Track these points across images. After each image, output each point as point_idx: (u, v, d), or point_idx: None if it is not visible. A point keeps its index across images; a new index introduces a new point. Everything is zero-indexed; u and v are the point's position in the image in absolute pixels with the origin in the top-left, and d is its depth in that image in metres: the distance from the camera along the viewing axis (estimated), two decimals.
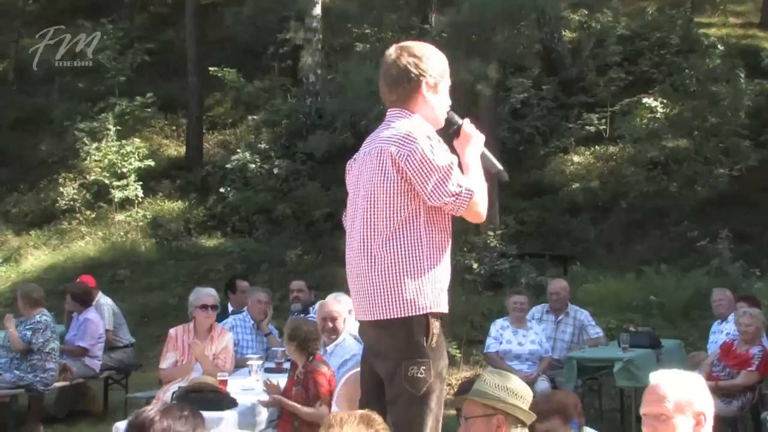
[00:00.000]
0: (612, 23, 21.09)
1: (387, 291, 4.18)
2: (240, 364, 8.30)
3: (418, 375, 4.17)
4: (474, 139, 4.37)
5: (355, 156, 4.48)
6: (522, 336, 9.69)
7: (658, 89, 18.48)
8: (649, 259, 15.29)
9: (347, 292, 8.06)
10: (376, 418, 3.58)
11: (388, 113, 4.40)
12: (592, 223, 17.25)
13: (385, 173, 4.20)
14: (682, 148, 17.58)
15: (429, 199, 4.14)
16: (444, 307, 4.25)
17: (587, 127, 19.03)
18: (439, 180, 4.12)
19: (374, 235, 4.22)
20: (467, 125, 4.40)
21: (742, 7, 24.70)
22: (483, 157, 4.41)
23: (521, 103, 19.30)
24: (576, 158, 18.86)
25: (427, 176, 4.12)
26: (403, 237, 4.19)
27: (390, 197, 4.20)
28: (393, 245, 4.19)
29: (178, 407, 3.35)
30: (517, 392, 4.32)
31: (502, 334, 9.67)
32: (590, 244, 16.71)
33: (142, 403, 9.36)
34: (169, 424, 3.25)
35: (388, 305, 4.17)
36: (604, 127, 19.11)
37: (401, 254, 4.18)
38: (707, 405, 3.73)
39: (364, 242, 4.24)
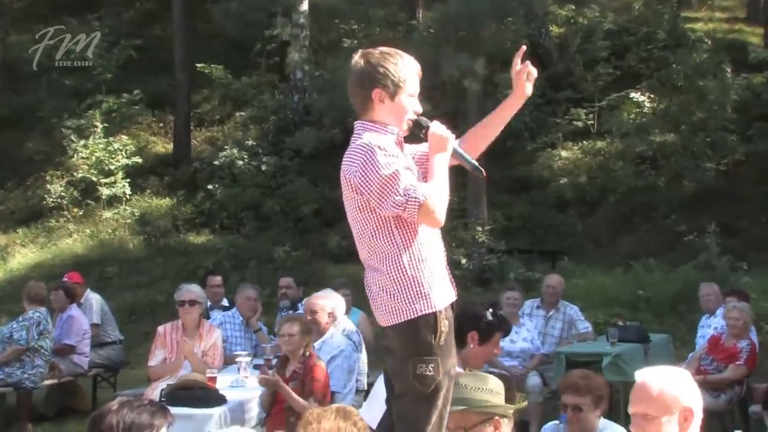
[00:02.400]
0: (599, 18, 21.13)
1: (387, 298, 4.20)
2: (229, 360, 8.30)
3: (426, 372, 4.18)
4: (441, 142, 4.32)
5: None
6: (514, 333, 9.68)
7: (646, 84, 18.53)
8: (636, 253, 15.33)
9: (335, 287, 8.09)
10: (352, 410, 3.61)
11: (355, 124, 4.41)
12: (580, 217, 17.29)
13: (346, 190, 4.22)
14: (670, 142, 17.62)
15: (379, 208, 4.13)
16: (445, 299, 4.25)
17: (575, 123, 19.06)
18: (383, 190, 4.09)
19: (362, 248, 4.26)
20: (435, 127, 4.34)
21: (728, 2, 24.79)
22: (457, 155, 4.39)
23: None
24: (564, 153, 18.89)
25: (372, 187, 4.10)
26: (382, 246, 4.20)
27: (356, 212, 4.22)
28: (377, 256, 4.21)
29: (138, 400, 3.37)
30: (497, 390, 4.38)
31: (507, 336, 9.66)
32: (578, 238, 16.75)
33: None
34: (123, 413, 3.26)
35: (392, 311, 4.19)
36: (592, 122, 19.14)
37: (386, 263, 4.20)
38: (694, 400, 3.72)
39: (362, 255, 4.29)
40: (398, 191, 4.09)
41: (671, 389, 3.70)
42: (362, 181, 4.12)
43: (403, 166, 4.16)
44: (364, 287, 4.31)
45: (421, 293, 4.19)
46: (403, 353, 4.20)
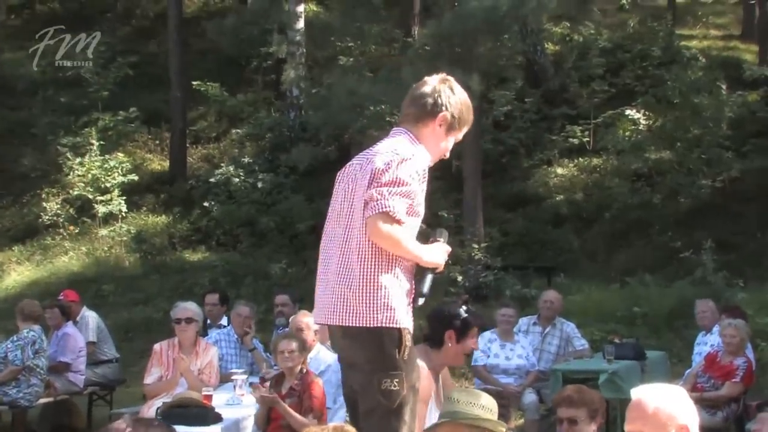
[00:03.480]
0: (594, 36, 21.22)
1: (352, 298, 4.21)
2: (224, 378, 8.27)
3: (392, 388, 4.20)
4: (438, 260, 4.40)
5: (348, 164, 4.51)
6: (509, 350, 9.69)
7: (641, 101, 18.57)
8: (633, 269, 15.33)
9: None
10: (350, 429, 3.59)
11: (395, 128, 4.51)
12: (576, 234, 17.30)
13: (362, 182, 4.26)
14: (665, 159, 17.66)
15: (370, 198, 4.17)
16: (408, 322, 4.29)
17: (570, 139, 19.10)
18: (389, 186, 4.17)
19: (345, 241, 4.28)
20: (444, 247, 4.51)
21: (723, 20, 24.89)
22: (425, 274, 4.40)
23: (504, 115, 19.36)
24: (559, 170, 18.92)
25: (384, 179, 4.18)
26: (370, 249, 4.22)
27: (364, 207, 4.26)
28: (360, 255, 4.23)
29: (149, 419, 3.38)
30: (490, 407, 4.40)
31: (489, 347, 9.66)
32: (574, 255, 16.76)
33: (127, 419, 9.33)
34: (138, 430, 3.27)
35: (353, 312, 4.20)
36: (588, 139, 19.18)
37: (365, 265, 4.22)
38: (690, 418, 3.71)
39: (343, 250, 4.28)
40: (391, 196, 4.15)
41: (667, 407, 3.69)
42: (382, 172, 4.19)
43: (419, 191, 4.26)
44: (319, 276, 4.37)
45: (387, 306, 4.20)
46: (367, 367, 4.22)
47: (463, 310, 5.49)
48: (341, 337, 4.34)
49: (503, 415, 4.71)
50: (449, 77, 4.52)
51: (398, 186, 4.17)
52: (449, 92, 4.42)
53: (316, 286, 4.44)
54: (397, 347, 4.21)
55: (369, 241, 4.20)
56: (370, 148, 4.45)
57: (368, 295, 4.20)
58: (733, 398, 8.75)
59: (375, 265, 4.21)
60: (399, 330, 4.21)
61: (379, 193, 4.15)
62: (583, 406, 5.08)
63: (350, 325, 4.21)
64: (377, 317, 4.18)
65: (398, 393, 4.20)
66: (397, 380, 4.21)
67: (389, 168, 4.19)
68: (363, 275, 4.21)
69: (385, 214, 4.14)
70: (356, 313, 4.20)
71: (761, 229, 16.00)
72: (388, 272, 4.21)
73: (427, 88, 4.42)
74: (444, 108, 4.39)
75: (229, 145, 21.69)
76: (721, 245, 14.99)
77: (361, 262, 4.21)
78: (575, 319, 10.91)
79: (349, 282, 4.22)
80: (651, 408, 3.69)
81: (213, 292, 11.06)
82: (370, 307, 4.19)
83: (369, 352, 4.21)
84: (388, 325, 4.19)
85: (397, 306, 4.21)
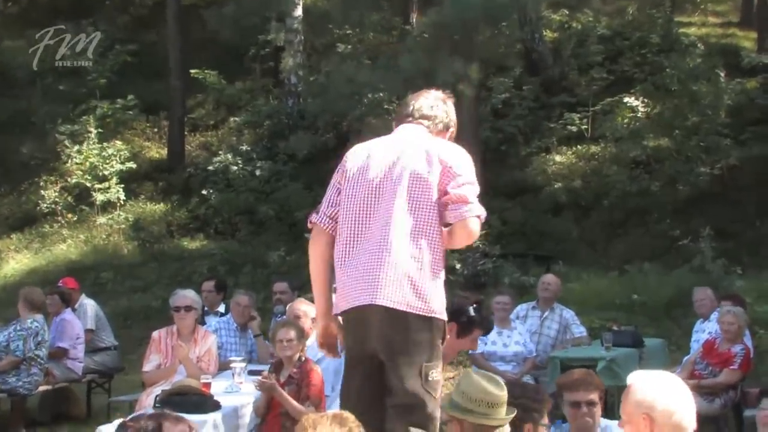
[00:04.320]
0: (593, 23, 21.17)
1: (426, 287, 4.30)
2: (223, 366, 8.28)
3: (436, 378, 4.32)
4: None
5: (376, 150, 4.58)
6: (506, 337, 9.69)
7: (639, 89, 18.54)
8: (631, 257, 15.34)
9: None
10: (349, 416, 3.60)
11: (417, 122, 4.68)
12: (575, 222, 17.29)
13: (431, 179, 4.41)
14: (664, 147, 17.64)
15: (454, 197, 4.44)
16: None
17: (569, 127, 19.07)
18: (471, 192, 4.49)
19: (421, 230, 4.36)
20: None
21: (722, 7, 24.84)
22: None
23: (503, 103, 19.33)
24: (558, 158, 18.90)
25: (465, 181, 4.47)
26: (436, 241, 4.40)
27: (434, 204, 4.41)
28: (430, 247, 4.36)
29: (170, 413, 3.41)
30: (494, 403, 4.37)
31: (487, 335, 9.67)
32: (573, 243, 16.76)
33: (126, 407, 9.36)
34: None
35: (424, 300, 4.29)
36: (586, 126, 19.15)
37: (434, 256, 4.36)
38: (660, 408, 3.70)
39: (407, 233, 4.34)
40: (476, 198, 4.47)
41: (639, 393, 3.72)
42: (460, 169, 4.46)
43: None
44: (386, 261, 4.31)
45: (442, 296, 4.40)
46: (419, 357, 4.27)
47: (472, 309, 5.50)
48: (392, 323, 4.29)
49: (534, 418, 4.72)
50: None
51: (474, 186, 4.47)
52: (452, 108, 4.82)
53: (350, 260, 4.41)
54: (441, 338, 4.38)
55: (437, 230, 4.37)
56: (399, 133, 4.67)
57: (431, 283, 4.32)
58: (731, 385, 8.76)
59: (440, 255, 4.38)
60: (444, 321, 4.38)
61: (467, 193, 4.41)
62: (596, 390, 5.15)
63: (411, 311, 4.27)
64: (433, 306, 4.31)
65: (439, 383, 4.35)
66: (438, 370, 4.35)
67: (466, 167, 4.49)
68: (431, 264, 4.33)
69: (479, 218, 4.41)
70: (421, 299, 4.29)
71: (759, 216, 16.01)
72: (443, 264, 4.41)
73: (441, 108, 4.75)
74: (453, 124, 4.79)
75: (227, 133, 21.66)
76: (720, 233, 14.99)
77: (431, 250, 4.34)
78: (574, 307, 10.91)
79: (418, 268, 4.31)
80: (630, 391, 3.77)
81: (210, 279, 11.07)
82: (431, 295, 4.31)
83: (425, 341, 4.29)
84: (439, 316, 4.34)
85: (444, 298, 4.40)
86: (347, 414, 3.62)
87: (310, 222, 4.56)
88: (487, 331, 5.92)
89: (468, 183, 4.42)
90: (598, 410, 5.15)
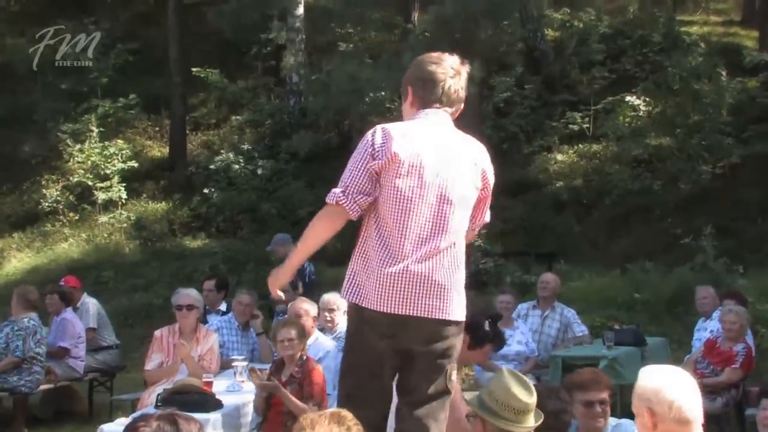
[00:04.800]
0: (594, 21, 21.15)
1: (462, 294, 4.35)
2: (225, 365, 8.29)
3: (455, 378, 4.38)
4: None
5: (424, 147, 4.35)
6: (509, 336, 9.67)
7: (641, 87, 18.53)
8: (633, 256, 15.32)
9: (330, 290, 8.10)
10: (347, 415, 3.58)
11: (444, 110, 4.52)
12: (577, 220, 17.28)
13: (476, 185, 4.44)
14: (665, 145, 17.63)
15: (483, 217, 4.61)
16: None
17: (571, 126, 19.06)
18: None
19: (460, 239, 4.36)
20: None
21: (724, 5, 24.82)
22: None
23: (505, 101, 19.33)
24: (560, 156, 18.89)
25: (492, 189, 4.59)
26: (464, 246, 4.42)
27: (471, 208, 4.48)
28: (462, 253, 4.38)
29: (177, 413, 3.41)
30: (521, 410, 4.34)
31: (499, 351, 9.66)
32: (574, 241, 16.74)
33: (127, 405, 9.36)
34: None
35: (462, 307, 4.34)
36: (588, 125, 19.14)
37: (463, 261, 4.38)
38: (660, 404, 3.71)
39: (452, 243, 4.32)
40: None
41: (644, 386, 3.73)
42: (492, 176, 4.58)
43: None
44: (440, 271, 4.26)
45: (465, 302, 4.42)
46: (447, 359, 4.31)
47: (487, 324, 5.51)
48: (438, 330, 4.27)
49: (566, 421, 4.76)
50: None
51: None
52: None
53: (401, 263, 4.24)
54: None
55: (464, 237, 4.43)
56: (438, 125, 4.47)
57: (463, 288, 4.37)
58: (733, 384, 8.77)
59: (464, 258, 4.40)
60: (481, 324, 4.71)
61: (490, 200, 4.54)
62: (607, 389, 5.15)
63: (456, 319, 4.32)
64: (464, 311, 4.37)
65: (455, 382, 4.41)
66: (456, 370, 4.41)
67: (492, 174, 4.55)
68: (462, 269, 4.37)
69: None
70: (460, 306, 4.34)
71: (761, 215, 15.99)
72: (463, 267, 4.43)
73: (463, 82, 4.55)
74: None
75: (229, 132, 21.66)
76: (722, 231, 14.97)
77: (463, 255, 4.38)
78: (576, 306, 10.92)
79: (459, 276, 4.33)
80: (637, 385, 3.80)
81: (211, 278, 11.08)
82: (464, 300, 4.37)
83: (457, 344, 4.36)
84: (464, 320, 4.39)
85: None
86: (345, 412, 3.61)
87: (337, 202, 4.23)
88: (498, 347, 5.92)
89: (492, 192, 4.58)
90: (608, 409, 5.16)
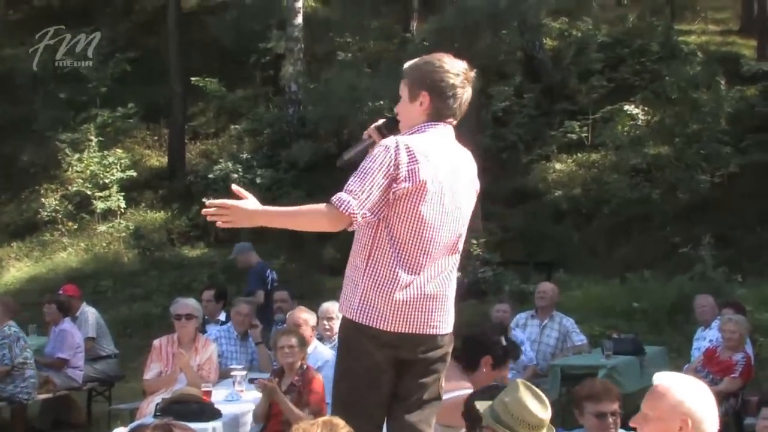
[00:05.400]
0: (592, 31, 21.18)
1: (450, 305, 4.37)
2: (224, 375, 8.28)
3: (443, 383, 4.38)
4: None
5: (444, 168, 4.28)
6: None
7: (640, 96, 18.56)
8: (632, 265, 15.32)
9: (330, 299, 8.10)
10: (339, 423, 3.58)
11: (447, 123, 4.37)
12: (575, 229, 17.29)
13: (473, 200, 4.44)
14: (664, 154, 17.64)
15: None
16: None
17: (569, 135, 19.07)
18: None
19: (455, 253, 4.36)
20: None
21: (722, 15, 24.84)
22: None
23: (503, 110, 19.35)
24: (558, 165, 18.90)
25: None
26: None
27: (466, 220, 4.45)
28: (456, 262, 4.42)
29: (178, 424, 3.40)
30: (535, 425, 4.29)
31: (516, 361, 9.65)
32: (573, 250, 16.74)
33: (126, 415, 9.35)
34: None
35: (453, 318, 4.37)
36: (586, 134, 19.15)
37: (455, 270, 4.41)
38: (697, 411, 3.70)
39: (456, 258, 4.37)
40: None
41: (677, 395, 3.69)
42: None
43: None
44: (443, 294, 4.29)
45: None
46: (444, 366, 4.34)
47: (504, 339, 5.50)
48: (441, 342, 4.31)
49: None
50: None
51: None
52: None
53: (418, 282, 4.21)
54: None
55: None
56: (452, 144, 4.38)
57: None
58: (732, 393, 8.76)
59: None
60: (498, 341, 4.78)
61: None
62: (617, 400, 5.12)
63: (451, 331, 4.36)
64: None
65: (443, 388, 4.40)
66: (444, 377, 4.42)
67: None
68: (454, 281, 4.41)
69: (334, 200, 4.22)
70: (453, 318, 4.36)
71: (760, 224, 16.00)
72: None
73: (469, 91, 4.35)
74: None
75: (227, 141, 21.68)
76: (720, 240, 14.98)
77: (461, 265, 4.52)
78: (575, 315, 10.92)
79: (455, 289, 4.39)
80: (662, 393, 3.71)
81: (210, 288, 11.08)
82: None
83: (450, 351, 4.39)
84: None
85: None
86: (337, 420, 3.60)
87: (349, 214, 4.05)
88: (516, 358, 5.92)
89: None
90: (619, 421, 5.13)
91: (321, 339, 8.29)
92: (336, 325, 8.31)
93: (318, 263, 16.93)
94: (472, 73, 4.35)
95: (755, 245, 15.60)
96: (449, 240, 4.26)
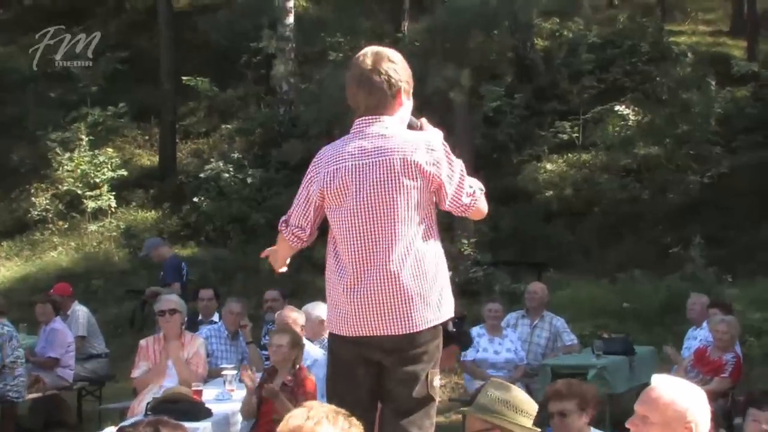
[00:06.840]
0: (583, 31, 21.22)
1: (434, 299, 4.20)
2: (215, 374, 8.27)
3: (437, 383, 4.27)
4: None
5: (341, 165, 4.37)
6: (498, 344, 9.72)
7: (630, 97, 18.61)
8: (623, 265, 15.35)
9: (322, 299, 8.12)
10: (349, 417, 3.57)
11: (365, 120, 4.37)
12: (566, 229, 17.31)
13: (410, 182, 4.18)
14: (654, 155, 17.68)
15: (452, 201, 4.26)
16: None
17: (560, 135, 19.10)
18: (461, 181, 4.27)
19: (397, 247, 4.15)
20: (425, 123, 4.46)
21: (712, 15, 24.92)
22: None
23: (494, 110, 19.36)
24: (549, 166, 18.92)
25: (455, 178, 4.25)
26: (426, 245, 4.22)
27: (413, 208, 4.19)
28: (427, 255, 4.20)
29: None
30: (519, 407, 4.34)
31: (478, 342, 9.69)
32: (564, 250, 16.77)
33: (116, 414, 9.33)
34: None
35: (433, 312, 4.19)
36: (577, 134, 19.18)
37: (431, 262, 4.21)
38: (700, 417, 3.73)
39: (387, 254, 4.15)
40: (467, 182, 4.29)
41: (682, 402, 3.71)
42: (448, 171, 4.21)
43: None
44: (385, 293, 4.15)
45: (449, 300, 4.30)
46: (422, 364, 4.19)
47: (451, 324, 5.46)
48: (404, 341, 4.16)
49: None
50: (375, 50, 4.46)
51: (460, 168, 4.29)
52: (392, 65, 4.35)
53: (346, 295, 4.20)
54: (442, 342, 4.29)
55: (429, 240, 4.22)
56: (361, 139, 4.37)
57: (438, 293, 4.22)
58: (721, 393, 8.78)
59: (441, 261, 4.26)
60: (444, 324, 4.28)
61: (462, 181, 4.25)
62: (573, 398, 5.09)
63: (423, 329, 4.16)
64: (441, 314, 4.23)
65: (438, 388, 4.30)
66: (439, 376, 4.31)
67: (449, 159, 4.24)
68: (435, 275, 4.21)
69: (479, 193, 4.33)
70: (432, 311, 4.19)
71: (750, 224, 16.05)
72: (436, 264, 4.25)
73: (376, 77, 4.31)
74: (399, 82, 4.34)
75: (218, 141, 21.64)
76: (711, 241, 15.03)
77: (435, 261, 4.22)
78: (566, 315, 10.94)
79: (424, 281, 4.17)
80: (667, 398, 3.72)
81: (207, 287, 11.06)
82: (439, 304, 4.22)
83: (433, 347, 4.22)
84: (445, 320, 4.26)
85: (448, 299, 4.30)
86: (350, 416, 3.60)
87: (282, 232, 4.55)
88: (465, 347, 5.84)
89: (460, 173, 4.39)
90: (573, 421, 5.11)
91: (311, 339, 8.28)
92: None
93: (309, 262, 16.91)
94: (365, 57, 4.39)
95: (746, 245, 15.65)
96: (374, 237, 4.17)
